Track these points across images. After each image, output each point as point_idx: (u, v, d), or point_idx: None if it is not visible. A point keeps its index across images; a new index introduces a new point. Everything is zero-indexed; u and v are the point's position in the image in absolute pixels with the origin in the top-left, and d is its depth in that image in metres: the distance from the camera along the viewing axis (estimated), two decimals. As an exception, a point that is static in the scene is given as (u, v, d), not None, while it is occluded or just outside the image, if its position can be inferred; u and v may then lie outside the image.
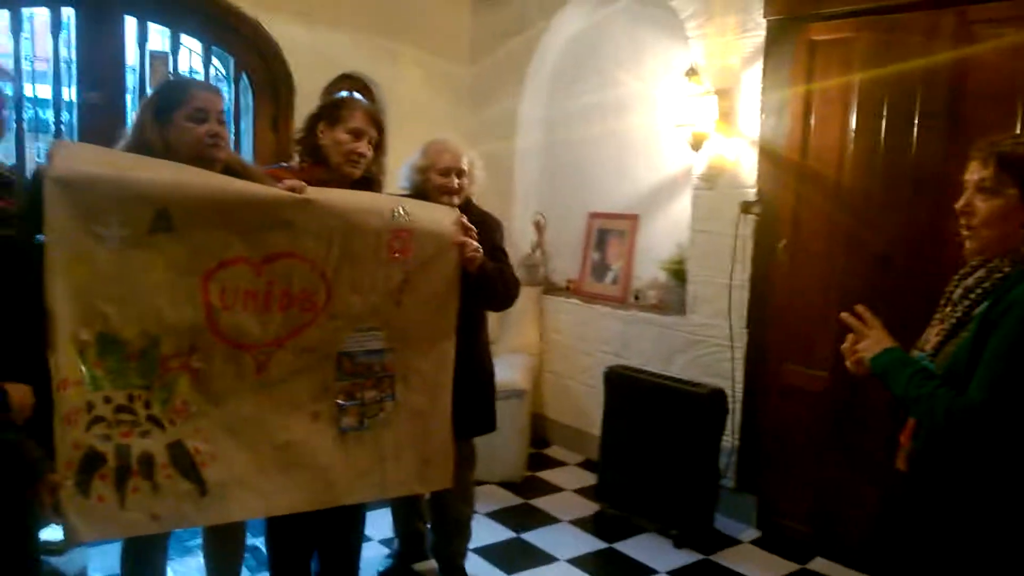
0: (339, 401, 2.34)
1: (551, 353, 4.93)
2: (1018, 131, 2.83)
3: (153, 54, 4.35)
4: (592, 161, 4.87)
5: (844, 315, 1.88)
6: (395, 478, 2.48)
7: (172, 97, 2.24)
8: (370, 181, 2.76)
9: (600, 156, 4.81)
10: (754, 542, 3.66)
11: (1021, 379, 1.53)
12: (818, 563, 3.45)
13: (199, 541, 2.86)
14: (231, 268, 2.10)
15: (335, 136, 2.62)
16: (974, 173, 1.69)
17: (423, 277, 2.48)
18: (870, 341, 1.80)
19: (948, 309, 1.80)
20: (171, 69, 4.28)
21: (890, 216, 3.23)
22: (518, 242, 5.11)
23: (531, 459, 4.58)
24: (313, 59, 4.64)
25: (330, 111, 2.69)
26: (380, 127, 2.73)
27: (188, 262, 2.03)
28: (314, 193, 2.24)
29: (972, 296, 1.72)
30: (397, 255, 2.41)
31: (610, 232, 4.75)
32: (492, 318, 4.61)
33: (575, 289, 4.90)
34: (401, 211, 2.43)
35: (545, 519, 3.85)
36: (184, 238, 2.01)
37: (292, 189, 2.21)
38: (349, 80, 4.87)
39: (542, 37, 4.86)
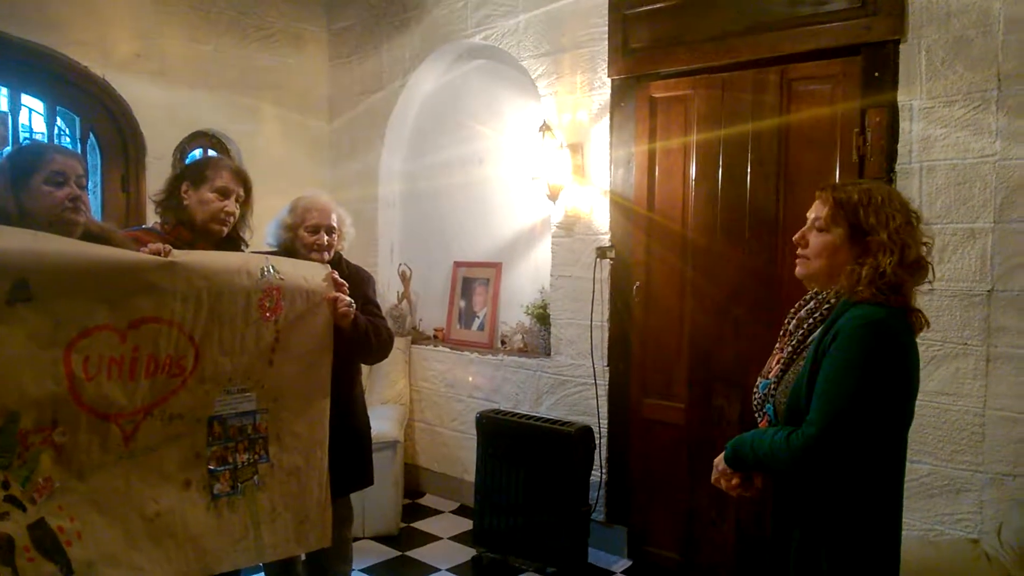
0: (211, 467, 2.29)
1: (421, 402, 4.96)
2: (837, 175, 3.16)
3: (-10, 114, 4.14)
4: (454, 212, 5.00)
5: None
6: (271, 541, 2.43)
7: (28, 161, 2.17)
8: (235, 240, 2.76)
9: (462, 207, 4.95)
10: (626, 572, 3.81)
11: (851, 401, 1.68)
12: (687, 587, 3.64)
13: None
14: (95, 336, 2.03)
15: (201, 196, 2.60)
16: (813, 211, 1.88)
17: (295, 335, 2.49)
18: (716, 465, 1.96)
19: (785, 339, 1.99)
20: (11, 129, 4.08)
21: (730, 261, 3.52)
22: (384, 293, 5.15)
23: (406, 510, 4.57)
24: (166, 117, 4.55)
25: (194, 171, 2.67)
26: (247, 185, 2.73)
27: (49, 332, 1.95)
28: (179, 255, 2.21)
29: (805, 326, 1.91)
30: (268, 314, 2.41)
31: (475, 280, 4.87)
32: (361, 369, 4.62)
33: (443, 337, 4.98)
34: (271, 269, 2.44)
35: (423, 570, 3.85)
36: (44, 308, 1.94)
37: (156, 252, 2.18)
38: (204, 137, 4.80)
39: (400, 93, 4.98)
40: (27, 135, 4.34)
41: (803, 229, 1.89)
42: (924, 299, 2.91)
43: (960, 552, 2.60)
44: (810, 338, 1.87)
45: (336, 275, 2.65)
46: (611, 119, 3.90)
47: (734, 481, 1.92)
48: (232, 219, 2.64)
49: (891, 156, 3.01)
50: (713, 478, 1.98)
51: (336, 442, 2.65)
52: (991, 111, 2.81)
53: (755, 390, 1.96)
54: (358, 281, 2.94)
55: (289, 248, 2.88)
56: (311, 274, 2.58)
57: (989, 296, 2.83)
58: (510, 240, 4.72)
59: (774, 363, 1.95)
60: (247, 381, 2.38)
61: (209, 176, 2.63)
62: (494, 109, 4.76)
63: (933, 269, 1.83)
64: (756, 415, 1.94)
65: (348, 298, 2.62)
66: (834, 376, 1.71)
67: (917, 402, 2.86)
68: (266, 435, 2.45)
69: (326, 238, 2.88)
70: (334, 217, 2.92)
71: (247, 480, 2.40)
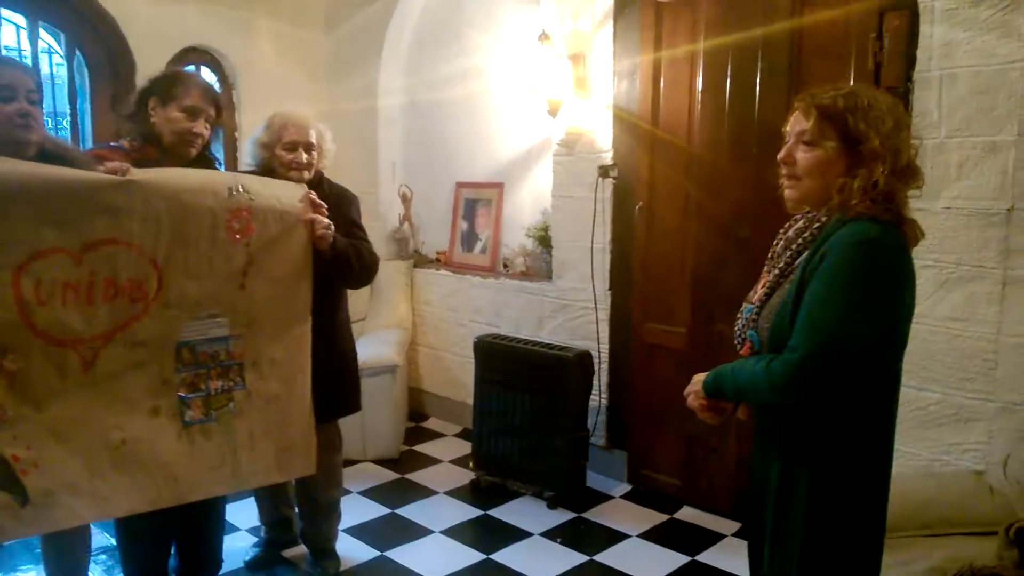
0: (181, 393, 2.23)
1: (424, 326, 4.89)
2: (851, 84, 2.94)
3: (-32, 30, 3.98)
4: (456, 130, 4.80)
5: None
6: (251, 469, 2.39)
7: None
8: (207, 159, 2.64)
9: (464, 125, 4.75)
10: (625, 496, 3.77)
11: (838, 325, 1.54)
12: (686, 512, 3.59)
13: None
14: (46, 259, 1.94)
15: (168, 115, 2.48)
16: (796, 124, 1.70)
17: (269, 258, 2.38)
18: (694, 380, 1.85)
19: (773, 261, 1.85)
20: (-9, 45, 3.94)
21: (737, 177, 3.33)
22: (385, 214, 5.03)
23: (409, 433, 4.56)
24: (154, 32, 4.36)
25: (163, 86, 2.53)
26: (218, 105, 2.60)
27: (-7, 256, 1.87)
28: (139, 174, 2.10)
29: (793, 247, 1.75)
30: (238, 236, 2.30)
31: (477, 202, 4.72)
32: (363, 294, 4.55)
33: (445, 260, 4.87)
34: (240, 188, 2.32)
35: (422, 492, 3.84)
36: (-13, 230, 1.85)
37: (113, 171, 2.07)
38: (196, 53, 4.62)
39: (398, 2, 4.74)
40: (10, 53, 4.19)
41: (788, 145, 1.71)
42: (939, 218, 2.73)
43: (962, 484, 2.49)
44: (798, 260, 1.72)
45: (313, 196, 2.52)
46: (614, 27, 3.67)
47: (703, 403, 1.82)
48: (200, 141, 2.52)
49: (910, 63, 2.77)
50: (686, 391, 1.86)
51: (320, 368, 2.58)
52: (1022, 11, 2.56)
53: (738, 316, 1.83)
54: (340, 202, 2.81)
55: (267, 167, 2.76)
56: (285, 194, 2.46)
57: (1009, 215, 2.63)
58: (512, 159, 4.53)
59: (760, 287, 1.81)
60: (217, 306, 2.29)
61: (178, 94, 2.49)
62: (494, 18, 4.50)
63: (922, 175, 1.66)
64: (736, 343, 1.81)
65: (326, 220, 2.50)
66: (820, 298, 1.57)
67: (927, 327, 2.77)
68: (241, 361, 2.38)
69: (304, 156, 2.74)
70: (312, 133, 2.78)
71: (222, 407, 2.33)
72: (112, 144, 2.60)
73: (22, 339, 1.92)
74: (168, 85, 2.52)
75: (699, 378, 1.84)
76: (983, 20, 2.62)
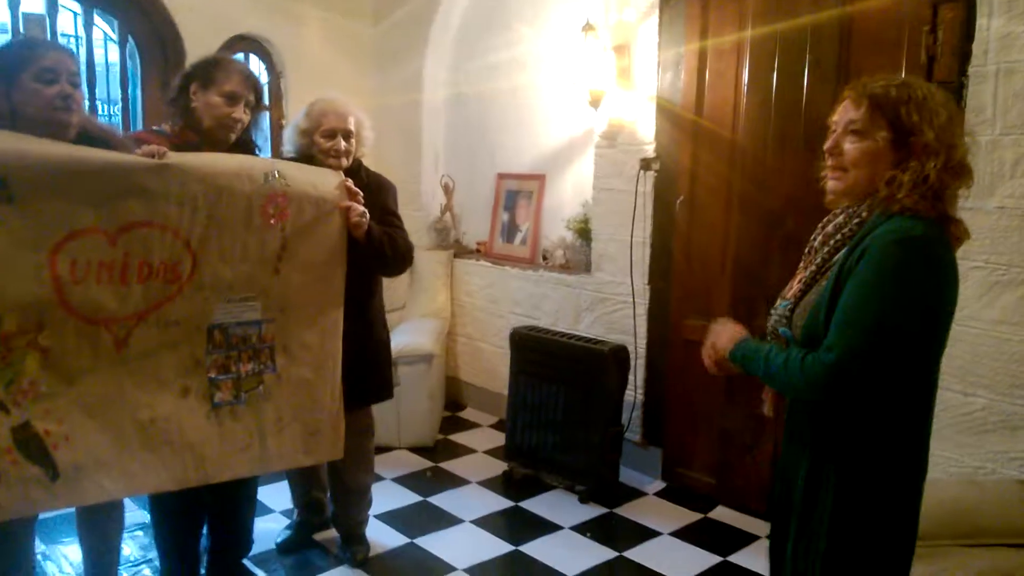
0: (211, 375, 2.26)
1: (463, 316, 4.89)
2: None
3: (28, 17, 4.07)
4: (499, 121, 4.79)
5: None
6: (277, 451, 2.41)
7: (17, 57, 2.09)
8: (247, 145, 2.66)
9: (507, 116, 4.73)
10: (659, 494, 3.72)
11: (874, 326, 1.49)
12: (720, 512, 3.53)
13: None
14: (82, 239, 1.99)
15: (208, 99, 2.50)
16: (845, 113, 1.64)
17: (303, 244, 2.41)
18: (724, 338, 1.80)
19: (810, 257, 1.79)
20: (49, 32, 4.04)
21: (783, 170, 3.25)
22: (427, 204, 5.04)
23: (445, 422, 4.57)
24: (204, 19, 4.43)
25: (204, 71, 2.56)
26: (258, 91, 2.62)
27: (32, 234, 1.91)
28: (175, 158, 2.13)
29: (831, 243, 1.70)
30: (273, 221, 2.33)
31: (518, 193, 4.70)
32: (402, 282, 4.58)
33: (485, 251, 4.86)
34: (276, 174, 2.34)
35: (454, 481, 3.85)
36: (26, 209, 1.89)
37: (149, 154, 2.10)
38: (245, 42, 4.69)
39: (445, -7, 4.75)
40: (67, 39, 4.30)
41: (835, 135, 1.65)
42: (991, 217, 2.63)
43: (1005, 493, 2.39)
44: (836, 256, 1.66)
45: (350, 183, 2.54)
46: (660, 18, 3.60)
47: (714, 359, 1.81)
48: (240, 126, 2.54)
49: (964, 57, 2.67)
50: (707, 337, 1.84)
51: (352, 355, 2.60)
52: (1086, 3, 2.45)
53: (771, 312, 1.78)
54: (377, 190, 2.82)
55: (306, 154, 2.78)
56: (321, 181, 2.48)
57: (1066, 216, 2.52)
58: (554, 150, 4.50)
59: (795, 283, 1.76)
60: (250, 289, 2.32)
61: (218, 78, 2.51)
62: (538, 9, 4.47)
63: (973, 174, 1.59)
64: (769, 339, 1.76)
65: (361, 207, 2.52)
66: (858, 297, 1.52)
67: (975, 331, 2.67)
68: (272, 345, 2.40)
69: (343, 143, 2.75)
70: (351, 121, 2.79)
71: (251, 390, 2.36)
72: (153, 128, 2.64)
73: (57, 316, 1.96)
74: (209, 70, 2.55)
75: (725, 336, 1.79)
76: (1044, 11, 2.51)
